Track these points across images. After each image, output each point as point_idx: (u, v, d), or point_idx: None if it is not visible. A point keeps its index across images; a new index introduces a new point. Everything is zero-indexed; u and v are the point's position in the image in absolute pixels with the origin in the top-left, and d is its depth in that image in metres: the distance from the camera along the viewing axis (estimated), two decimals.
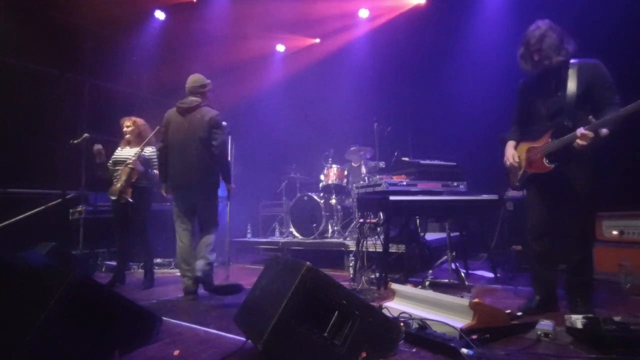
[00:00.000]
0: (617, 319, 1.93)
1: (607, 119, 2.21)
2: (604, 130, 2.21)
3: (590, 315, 2.04)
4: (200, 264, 3.16)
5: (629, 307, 2.66)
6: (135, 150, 3.76)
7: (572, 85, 2.41)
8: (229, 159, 3.70)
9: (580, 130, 2.23)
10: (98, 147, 3.73)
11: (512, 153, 2.76)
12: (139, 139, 3.86)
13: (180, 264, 3.33)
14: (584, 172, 2.42)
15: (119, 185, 3.66)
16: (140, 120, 3.96)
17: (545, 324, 2.05)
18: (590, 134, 2.21)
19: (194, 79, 3.48)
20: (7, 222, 4.24)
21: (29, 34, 5.39)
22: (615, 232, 3.61)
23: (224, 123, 3.51)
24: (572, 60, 2.49)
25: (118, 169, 3.76)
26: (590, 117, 2.24)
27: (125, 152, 3.81)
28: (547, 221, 2.62)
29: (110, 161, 3.85)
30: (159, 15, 6.68)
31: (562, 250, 2.61)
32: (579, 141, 2.24)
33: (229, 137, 3.73)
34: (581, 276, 2.51)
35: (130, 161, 3.67)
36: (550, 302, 2.60)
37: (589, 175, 2.42)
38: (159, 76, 7.03)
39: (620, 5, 4.26)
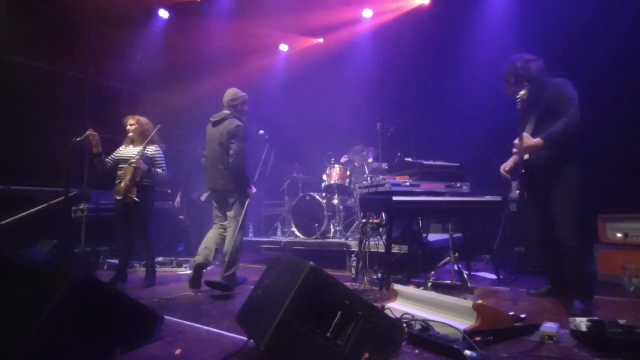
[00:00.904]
0: (621, 322, 1.93)
1: (523, 133, 2.68)
2: (534, 140, 2.63)
3: (595, 318, 2.02)
4: (222, 272, 3.49)
5: (633, 310, 2.64)
6: (139, 149, 3.77)
7: (536, 104, 2.79)
8: (266, 165, 4.05)
9: (515, 141, 2.70)
10: (92, 132, 3.61)
11: (504, 164, 3.10)
12: (142, 137, 3.86)
13: (202, 244, 3.64)
14: (550, 180, 2.74)
15: (123, 184, 3.66)
16: (144, 119, 3.96)
17: (549, 327, 2.04)
18: (517, 142, 2.68)
19: (228, 92, 3.78)
20: (9, 220, 4.24)
21: (32, 32, 5.39)
22: (619, 235, 3.59)
23: (260, 132, 3.96)
24: (547, 80, 2.84)
25: (121, 167, 3.76)
26: (519, 128, 2.71)
27: (129, 151, 3.81)
28: (539, 222, 2.95)
29: (111, 157, 3.85)
30: (163, 14, 6.68)
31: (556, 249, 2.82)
32: (513, 149, 2.75)
33: (267, 145, 4.01)
34: (575, 273, 2.63)
35: (134, 160, 3.66)
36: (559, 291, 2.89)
37: (554, 183, 2.72)
38: (162, 75, 7.03)
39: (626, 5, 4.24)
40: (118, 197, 3.71)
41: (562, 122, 2.59)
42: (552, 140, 2.59)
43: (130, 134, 3.87)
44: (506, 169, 3.06)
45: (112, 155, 3.86)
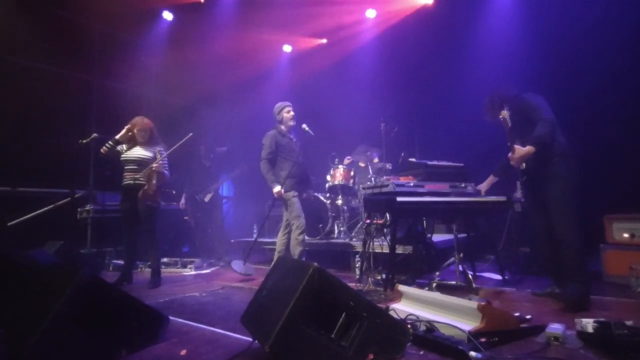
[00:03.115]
0: (628, 323, 1.91)
1: (514, 146, 2.93)
2: (525, 148, 2.86)
3: (601, 319, 2.01)
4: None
5: None
6: (148, 150, 3.85)
7: (513, 120, 3.03)
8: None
9: (509, 154, 2.99)
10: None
11: (481, 186, 3.61)
12: (148, 139, 3.90)
13: None
14: (543, 181, 2.93)
15: (150, 190, 3.73)
16: (151, 122, 3.99)
17: (555, 328, 2.02)
18: (511, 155, 2.95)
19: None
20: (16, 221, 4.28)
21: (37, 34, 5.43)
22: (625, 235, 3.56)
23: (303, 125, 4.19)
24: (520, 99, 3.11)
25: (130, 167, 3.81)
26: (509, 143, 2.97)
27: (136, 152, 3.84)
28: (540, 223, 3.09)
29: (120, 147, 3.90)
30: (167, 16, 6.71)
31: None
32: (510, 162, 3.02)
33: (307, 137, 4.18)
34: (570, 265, 2.74)
35: (157, 165, 3.75)
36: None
37: (546, 183, 2.91)
38: (166, 76, 7.06)
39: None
40: (148, 204, 3.77)
41: (540, 126, 2.84)
42: (538, 143, 2.84)
43: (140, 138, 3.89)
44: (483, 190, 3.50)
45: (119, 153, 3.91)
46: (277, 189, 3.91)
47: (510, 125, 2.96)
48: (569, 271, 2.78)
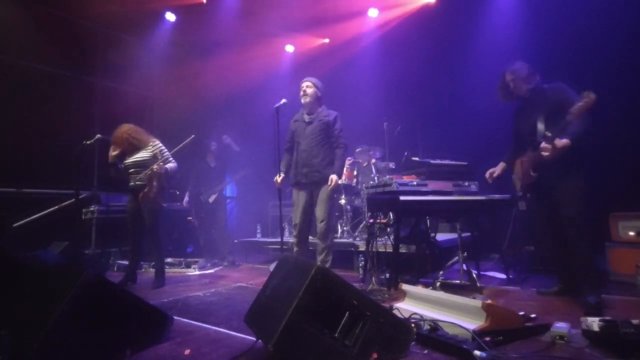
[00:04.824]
0: (635, 321, 1.89)
1: (551, 135, 2.62)
2: (563, 141, 2.61)
3: (607, 317, 1.99)
4: None
5: None
6: (143, 152, 3.84)
7: (541, 107, 2.87)
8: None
9: (542, 145, 2.68)
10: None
11: (490, 170, 3.35)
12: (134, 147, 3.86)
13: None
14: (559, 177, 2.79)
15: (151, 193, 3.72)
16: (124, 133, 3.87)
17: (560, 326, 2.01)
18: (548, 146, 2.63)
19: None
20: (21, 222, 4.31)
21: (40, 36, 5.47)
22: (631, 233, 3.53)
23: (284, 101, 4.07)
24: (544, 86, 2.96)
25: (132, 171, 3.82)
26: (546, 132, 2.70)
27: (133, 157, 3.84)
28: (546, 221, 3.00)
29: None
30: (170, 17, 6.72)
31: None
32: (542, 153, 2.69)
33: None
34: (585, 270, 2.68)
35: (157, 166, 3.72)
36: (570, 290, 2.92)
37: (563, 180, 2.78)
38: (169, 77, 7.08)
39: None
40: (149, 206, 3.77)
41: (582, 121, 2.59)
42: (576, 139, 2.63)
43: (123, 151, 3.86)
44: (492, 175, 3.30)
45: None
46: (275, 177, 3.86)
47: (529, 104, 2.83)
48: (582, 273, 2.71)
